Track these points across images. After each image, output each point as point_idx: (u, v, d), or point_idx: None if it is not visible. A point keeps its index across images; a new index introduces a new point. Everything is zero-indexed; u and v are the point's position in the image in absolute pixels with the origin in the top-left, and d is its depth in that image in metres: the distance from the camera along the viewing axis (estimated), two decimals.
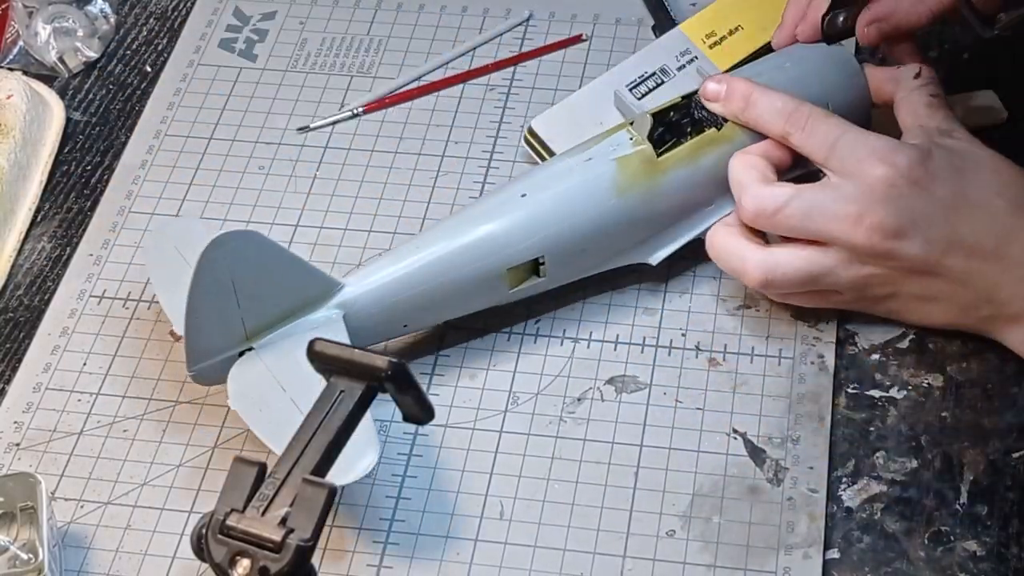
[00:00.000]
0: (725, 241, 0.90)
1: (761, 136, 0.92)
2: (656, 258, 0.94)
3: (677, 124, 0.93)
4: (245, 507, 0.68)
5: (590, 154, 0.92)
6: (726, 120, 0.93)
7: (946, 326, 0.90)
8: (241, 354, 0.87)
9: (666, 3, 1.11)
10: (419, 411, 0.73)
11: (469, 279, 0.90)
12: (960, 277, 0.87)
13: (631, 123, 0.93)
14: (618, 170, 0.91)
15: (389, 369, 0.71)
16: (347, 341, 0.86)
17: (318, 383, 0.79)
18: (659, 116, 0.93)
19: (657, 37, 1.09)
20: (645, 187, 0.91)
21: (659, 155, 0.92)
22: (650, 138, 0.92)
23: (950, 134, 0.90)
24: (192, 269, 0.84)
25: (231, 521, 0.67)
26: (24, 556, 0.81)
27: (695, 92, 0.94)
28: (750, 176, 0.89)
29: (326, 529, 0.79)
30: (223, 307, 0.85)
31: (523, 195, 0.91)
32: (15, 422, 0.92)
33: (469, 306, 0.92)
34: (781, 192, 0.88)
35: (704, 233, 0.93)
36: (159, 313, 0.96)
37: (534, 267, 0.91)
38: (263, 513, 0.67)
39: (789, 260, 0.88)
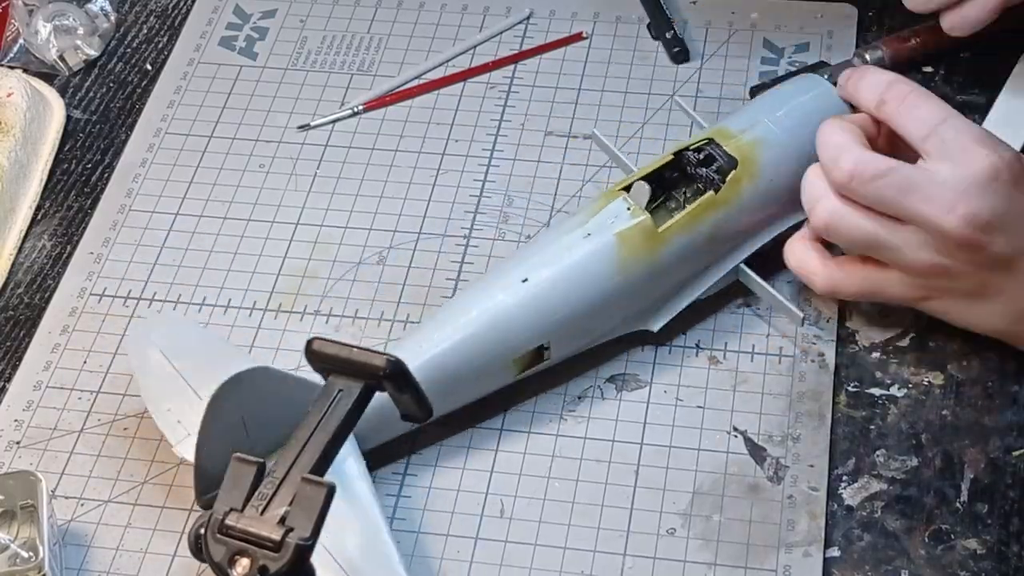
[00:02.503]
0: (803, 251, 0.89)
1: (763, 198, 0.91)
2: (657, 324, 0.92)
3: (670, 181, 0.91)
4: (244, 506, 0.68)
5: (588, 228, 0.89)
6: (723, 182, 0.90)
7: (993, 332, 0.89)
8: None
9: (662, 2, 1.11)
10: (417, 409, 0.74)
11: (476, 372, 0.87)
12: None
13: (626, 188, 0.90)
14: (618, 246, 0.88)
15: (387, 367, 0.71)
16: (358, 452, 0.85)
17: None
18: (651, 177, 0.90)
19: (653, 36, 1.09)
20: (646, 261, 0.89)
21: (659, 228, 0.89)
22: (648, 208, 0.89)
23: None
24: (182, 380, 0.85)
25: (230, 520, 0.67)
26: (24, 554, 0.81)
27: (686, 147, 0.91)
28: (850, 137, 0.86)
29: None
30: (232, 440, 0.81)
31: (524, 280, 0.88)
32: (15, 420, 0.92)
33: (475, 395, 0.89)
34: (884, 160, 0.85)
35: (703, 295, 0.92)
36: (159, 311, 0.96)
37: (539, 352, 0.89)
38: (262, 512, 0.67)
39: (855, 221, 0.86)
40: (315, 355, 0.72)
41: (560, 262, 0.88)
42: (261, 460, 0.69)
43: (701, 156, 0.91)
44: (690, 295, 0.92)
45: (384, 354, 0.72)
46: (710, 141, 0.91)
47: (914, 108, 0.86)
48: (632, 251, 0.88)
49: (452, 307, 0.88)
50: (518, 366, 0.88)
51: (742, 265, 0.92)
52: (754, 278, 0.92)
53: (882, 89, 0.88)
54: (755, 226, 0.92)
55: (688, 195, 0.91)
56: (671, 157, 0.91)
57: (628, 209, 0.89)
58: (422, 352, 0.86)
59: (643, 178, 0.90)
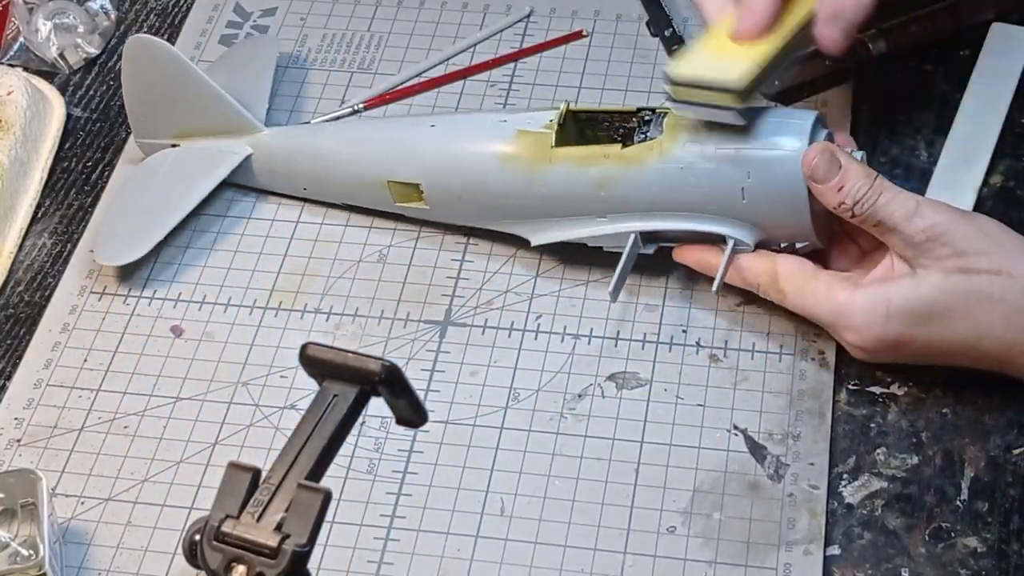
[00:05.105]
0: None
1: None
2: (536, 240, 0.95)
3: (618, 130, 0.92)
4: (240, 513, 0.68)
5: (506, 117, 0.95)
6: (640, 141, 0.90)
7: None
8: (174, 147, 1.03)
9: (662, 0, 1.11)
10: (412, 414, 0.73)
11: (355, 175, 0.98)
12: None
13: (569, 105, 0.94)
14: (512, 139, 0.93)
15: (382, 372, 0.70)
16: (223, 174, 1.00)
17: (183, 192, 0.99)
18: (604, 116, 0.93)
19: (652, 34, 1.09)
20: (526, 168, 0.92)
21: (553, 146, 0.91)
22: (559, 125, 0.92)
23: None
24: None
25: (226, 528, 0.67)
26: (25, 552, 0.81)
27: (649, 109, 0.91)
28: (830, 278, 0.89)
29: (327, 526, 0.79)
30: (155, 101, 1.01)
31: (432, 126, 0.97)
32: (16, 418, 0.92)
33: (360, 198, 1.00)
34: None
35: (591, 241, 0.93)
36: (160, 310, 0.97)
37: (416, 190, 0.96)
38: (258, 519, 0.67)
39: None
40: (309, 360, 0.72)
41: (463, 125, 0.97)
42: (257, 467, 0.69)
43: (647, 118, 0.92)
44: (574, 231, 0.93)
45: (379, 359, 0.71)
46: (668, 112, 0.90)
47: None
48: (521, 150, 0.93)
49: (374, 120, 1.04)
50: (396, 192, 0.97)
51: (636, 234, 0.91)
52: (629, 248, 0.91)
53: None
54: (652, 203, 0.90)
55: (608, 140, 0.93)
56: (633, 109, 0.93)
57: (550, 120, 0.93)
58: (329, 139, 1.00)
59: (599, 112, 0.93)
